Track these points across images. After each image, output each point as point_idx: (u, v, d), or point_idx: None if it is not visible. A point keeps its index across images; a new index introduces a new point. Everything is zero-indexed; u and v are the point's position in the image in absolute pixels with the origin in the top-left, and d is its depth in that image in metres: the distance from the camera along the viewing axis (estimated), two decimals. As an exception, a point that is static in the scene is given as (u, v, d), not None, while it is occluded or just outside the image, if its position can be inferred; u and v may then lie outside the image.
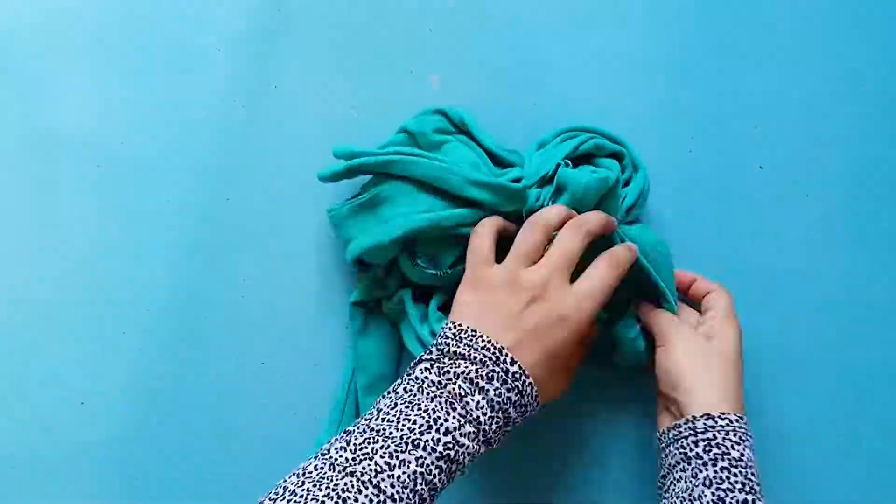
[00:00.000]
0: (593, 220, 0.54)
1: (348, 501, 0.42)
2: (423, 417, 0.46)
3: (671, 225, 0.64)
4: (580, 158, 0.60)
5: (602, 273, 0.52)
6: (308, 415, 0.62)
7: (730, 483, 0.50)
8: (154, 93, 0.65)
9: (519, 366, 0.48)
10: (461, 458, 0.46)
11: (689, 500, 0.51)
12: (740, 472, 0.50)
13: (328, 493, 0.43)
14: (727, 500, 0.49)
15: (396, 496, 0.43)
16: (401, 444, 0.45)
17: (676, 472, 0.52)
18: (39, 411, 0.63)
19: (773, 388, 0.63)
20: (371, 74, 0.66)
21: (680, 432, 0.52)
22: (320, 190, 0.64)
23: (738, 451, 0.51)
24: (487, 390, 0.47)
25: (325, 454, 0.45)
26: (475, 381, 0.47)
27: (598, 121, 0.63)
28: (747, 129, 0.66)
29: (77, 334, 0.63)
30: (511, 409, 0.48)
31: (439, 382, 0.48)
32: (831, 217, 0.65)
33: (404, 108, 0.65)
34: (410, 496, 0.44)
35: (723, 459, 0.50)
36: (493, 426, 0.47)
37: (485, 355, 0.48)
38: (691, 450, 0.51)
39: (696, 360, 0.54)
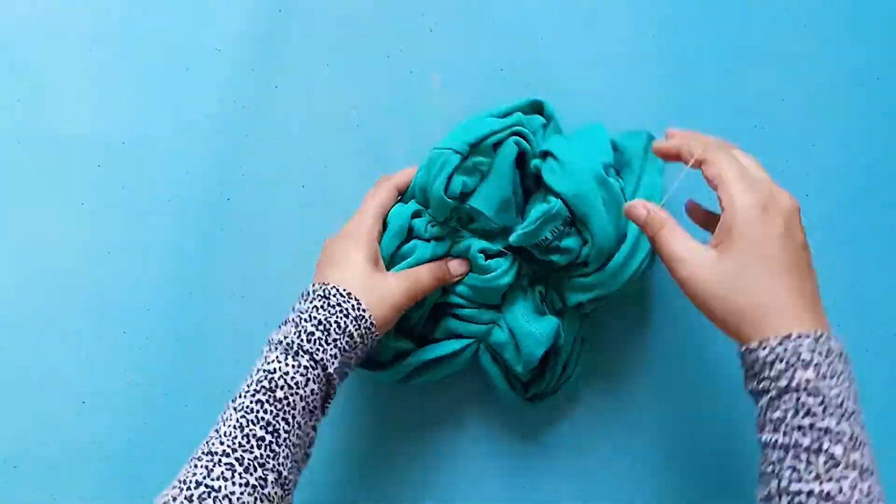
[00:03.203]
0: (398, 176, 0.58)
1: (188, 481, 0.44)
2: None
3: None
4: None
5: (422, 274, 0.56)
6: (308, 415, 0.62)
7: (781, 412, 0.42)
8: (154, 93, 0.65)
9: (317, 283, 0.51)
10: (281, 379, 0.47)
11: (760, 430, 0.44)
12: (791, 397, 0.42)
13: (172, 486, 0.45)
14: (781, 428, 0.42)
15: (227, 447, 0.45)
16: (224, 411, 0.47)
17: (756, 404, 0.45)
18: (39, 411, 0.63)
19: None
20: (371, 74, 0.66)
21: (742, 365, 0.46)
22: (320, 190, 0.64)
23: (786, 378, 0.43)
24: (288, 319, 0.50)
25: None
26: (286, 319, 0.50)
27: (598, 120, 0.63)
28: (747, 129, 0.66)
29: (77, 334, 0.63)
30: (317, 314, 0.49)
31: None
32: (831, 217, 0.65)
33: (404, 108, 0.65)
34: (242, 440, 0.45)
35: (771, 390, 0.43)
36: (303, 336, 0.48)
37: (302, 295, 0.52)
38: (748, 384, 0.45)
39: (713, 288, 0.45)
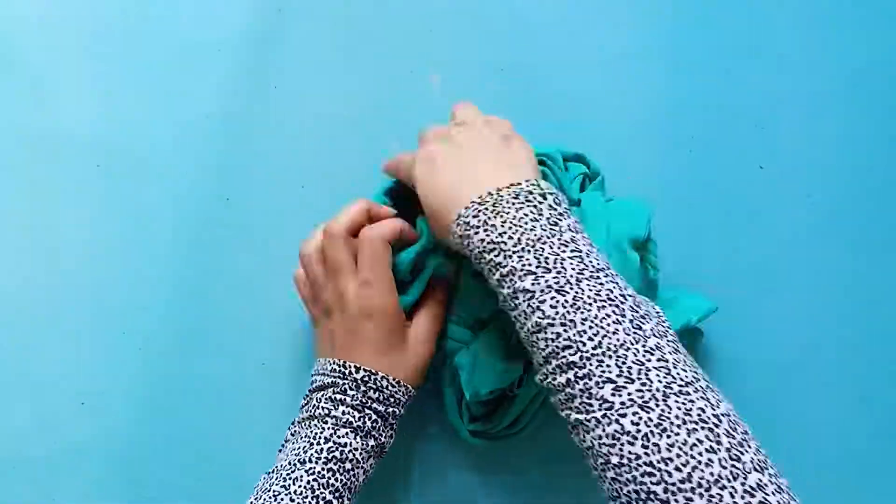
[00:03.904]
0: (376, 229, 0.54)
1: None
2: (304, 441, 0.51)
3: (671, 225, 0.64)
4: None
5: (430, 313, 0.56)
6: (308, 415, 0.62)
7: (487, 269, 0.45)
8: (154, 92, 0.65)
9: (363, 369, 0.52)
10: (351, 454, 0.51)
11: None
12: (478, 257, 0.45)
13: None
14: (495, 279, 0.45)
15: None
16: (290, 468, 0.50)
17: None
18: (39, 411, 0.63)
19: (772, 388, 0.63)
20: (371, 74, 0.66)
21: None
22: (320, 190, 0.64)
23: (473, 244, 0.46)
24: (345, 400, 0.52)
25: None
26: (333, 398, 0.52)
27: (599, 120, 0.63)
28: (747, 129, 0.66)
29: (77, 334, 0.63)
30: (376, 405, 0.52)
31: (309, 413, 0.52)
32: (831, 217, 0.65)
33: (404, 108, 0.65)
34: (313, 502, 0.49)
35: (476, 261, 0.46)
36: (368, 422, 0.52)
37: (332, 373, 0.53)
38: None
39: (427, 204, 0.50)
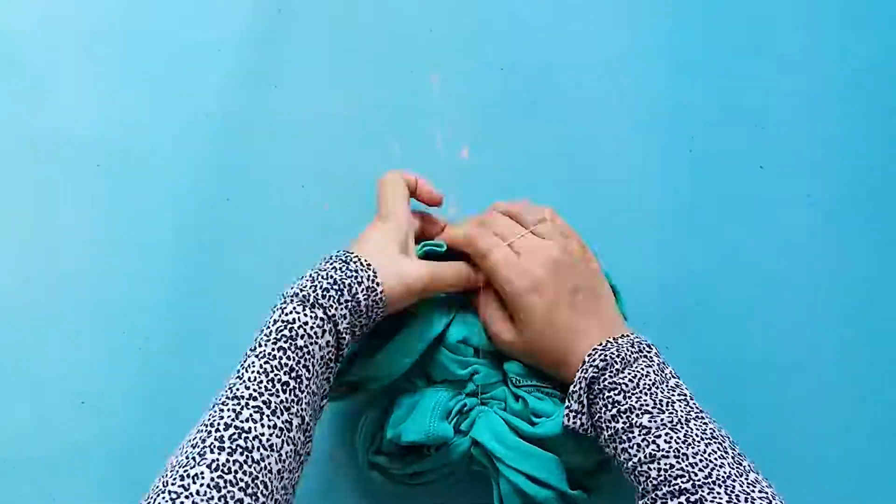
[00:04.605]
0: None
1: (214, 423, 0.45)
2: (259, 328, 0.49)
3: (671, 225, 0.64)
4: None
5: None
6: (308, 415, 0.62)
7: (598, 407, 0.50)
8: (154, 93, 0.65)
9: (343, 249, 0.52)
10: (301, 329, 0.48)
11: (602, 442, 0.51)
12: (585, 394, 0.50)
13: (198, 430, 0.45)
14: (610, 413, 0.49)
15: (254, 391, 0.46)
16: (244, 357, 0.48)
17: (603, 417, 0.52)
18: (39, 411, 0.63)
19: (772, 388, 0.63)
20: (371, 74, 0.66)
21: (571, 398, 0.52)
22: (320, 190, 0.64)
23: (585, 381, 0.51)
24: (306, 273, 0.51)
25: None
26: (299, 278, 0.51)
27: (599, 120, 0.63)
28: (747, 129, 0.66)
29: (77, 334, 0.63)
30: (333, 272, 0.50)
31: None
32: (831, 217, 0.65)
33: (404, 108, 0.65)
34: (268, 384, 0.46)
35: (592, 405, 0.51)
36: (319, 290, 0.49)
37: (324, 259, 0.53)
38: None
39: (533, 342, 0.54)
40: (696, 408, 0.49)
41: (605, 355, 0.51)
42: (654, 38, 0.66)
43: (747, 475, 0.46)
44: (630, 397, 0.49)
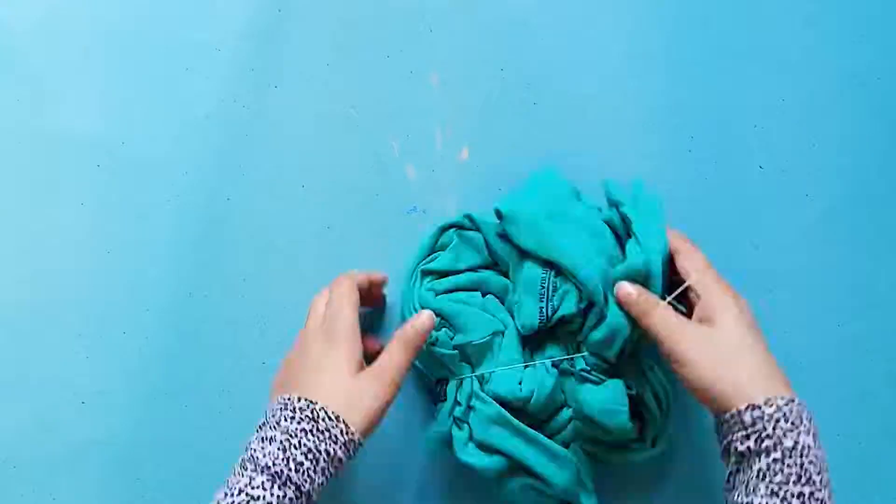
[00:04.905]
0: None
1: None
2: (223, 488, 0.49)
3: (671, 225, 0.64)
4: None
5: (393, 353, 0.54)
6: (308, 415, 0.62)
7: (783, 475, 0.47)
8: (154, 92, 0.65)
9: (304, 398, 0.50)
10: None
11: (746, 493, 0.49)
12: (795, 461, 0.48)
13: None
14: (780, 493, 0.47)
15: None
16: None
17: (736, 466, 0.51)
18: (39, 411, 0.63)
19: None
20: (371, 74, 0.66)
21: (730, 427, 0.50)
22: (320, 190, 0.64)
23: (792, 438, 0.48)
24: (274, 437, 0.49)
25: None
26: (264, 437, 0.50)
27: (599, 120, 0.63)
28: (747, 129, 0.66)
29: (77, 334, 0.63)
30: (306, 440, 0.49)
31: (243, 454, 0.50)
32: (831, 217, 0.65)
33: (404, 108, 0.65)
34: None
35: (775, 450, 0.48)
36: (292, 464, 0.48)
37: (278, 404, 0.51)
38: (742, 443, 0.49)
39: (712, 358, 0.52)
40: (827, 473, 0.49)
41: (806, 413, 0.50)
42: (654, 38, 0.66)
43: None
44: (825, 488, 0.48)
